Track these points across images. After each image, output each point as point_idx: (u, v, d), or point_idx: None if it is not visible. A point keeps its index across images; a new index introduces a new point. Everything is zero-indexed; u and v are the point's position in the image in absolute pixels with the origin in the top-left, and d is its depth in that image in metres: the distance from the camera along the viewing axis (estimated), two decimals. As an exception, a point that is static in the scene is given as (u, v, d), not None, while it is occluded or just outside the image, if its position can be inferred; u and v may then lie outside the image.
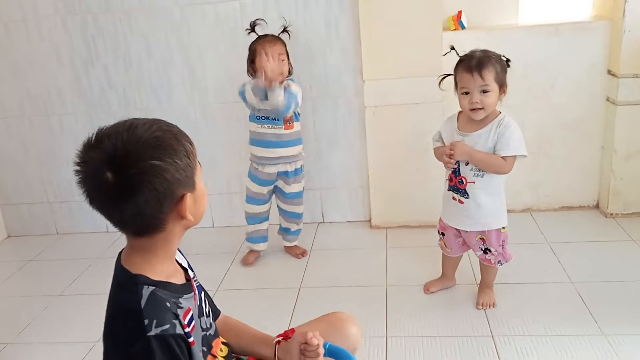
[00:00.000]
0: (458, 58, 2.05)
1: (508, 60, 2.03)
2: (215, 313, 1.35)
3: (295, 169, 2.62)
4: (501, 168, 2.00)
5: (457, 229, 2.17)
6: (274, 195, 2.72)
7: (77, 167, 1.01)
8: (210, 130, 3.03)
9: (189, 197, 1.05)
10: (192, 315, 1.10)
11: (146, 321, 0.99)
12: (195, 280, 1.23)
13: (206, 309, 1.24)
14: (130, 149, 0.98)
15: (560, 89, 2.83)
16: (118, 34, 2.92)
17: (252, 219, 2.73)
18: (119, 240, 3.14)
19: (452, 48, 2.10)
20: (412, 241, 2.82)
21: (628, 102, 2.71)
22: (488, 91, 1.95)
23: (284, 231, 2.78)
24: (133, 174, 0.97)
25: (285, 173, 2.60)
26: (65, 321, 2.38)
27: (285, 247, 2.82)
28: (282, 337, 1.30)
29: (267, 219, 2.75)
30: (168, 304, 1.04)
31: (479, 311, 2.19)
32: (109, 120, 1.05)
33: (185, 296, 1.12)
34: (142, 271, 1.06)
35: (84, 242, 3.15)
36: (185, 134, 1.09)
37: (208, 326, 1.22)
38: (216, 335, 1.26)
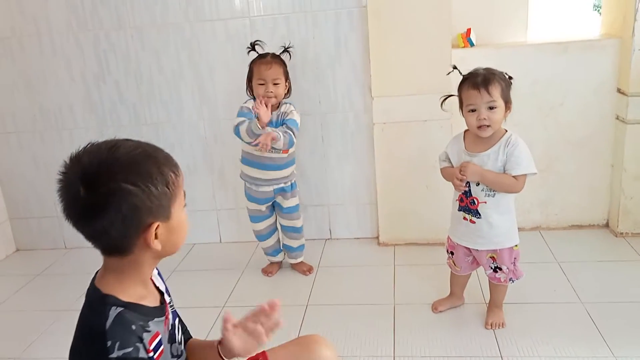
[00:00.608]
0: (462, 77, 2.05)
1: (510, 77, 2.03)
2: (187, 338, 1.35)
3: (291, 184, 2.64)
4: (513, 187, 1.99)
5: (467, 248, 2.16)
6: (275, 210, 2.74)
7: (59, 177, 1.03)
8: (219, 145, 3.05)
9: (159, 227, 1.04)
10: (160, 340, 1.09)
11: (109, 343, 0.99)
12: (171, 306, 1.23)
13: (179, 336, 1.24)
14: (105, 168, 0.99)
15: (569, 107, 2.83)
16: (129, 49, 2.95)
17: (258, 236, 2.77)
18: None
19: (455, 67, 2.10)
20: (420, 259, 2.80)
21: (638, 121, 2.70)
22: (495, 107, 1.95)
23: (287, 249, 2.79)
24: (103, 193, 0.98)
25: (283, 189, 2.62)
26: (72, 336, 2.38)
27: (292, 264, 2.82)
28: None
29: (273, 232, 2.76)
30: (134, 327, 1.03)
31: (488, 331, 2.17)
32: (119, 134, 1.06)
33: (155, 319, 1.11)
34: (112, 292, 1.06)
35: (92, 257, 3.09)
36: (173, 163, 1.08)
37: (179, 353, 1.22)
38: None
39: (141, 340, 1.03)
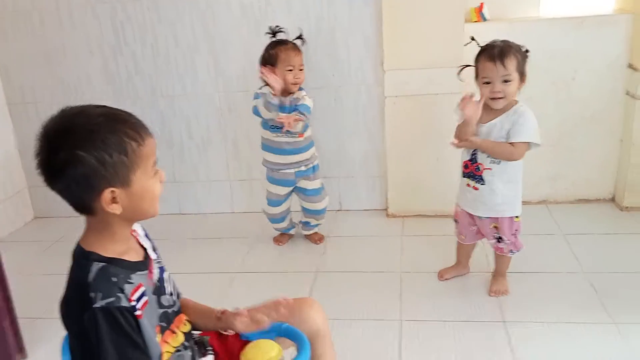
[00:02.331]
0: (479, 48, 2.08)
1: (527, 50, 2.06)
2: (178, 294, 1.40)
3: (313, 167, 2.69)
4: (511, 155, 2.03)
5: (471, 217, 2.22)
6: (293, 194, 2.78)
7: (36, 138, 1.09)
8: (233, 117, 3.10)
9: (116, 192, 1.08)
10: (143, 292, 1.15)
11: (92, 294, 1.06)
12: (158, 262, 1.30)
13: (169, 287, 1.31)
14: (63, 134, 1.05)
15: (581, 81, 2.84)
16: (146, 21, 3.00)
17: (272, 219, 2.83)
18: (142, 222, 3.22)
19: (473, 39, 2.13)
20: (428, 230, 2.86)
21: (648, 97, 2.72)
22: (510, 80, 1.99)
23: (304, 223, 2.86)
24: (60, 158, 1.04)
25: (305, 172, 2.67)
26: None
27: (305, 234, 2.89)
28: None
29: (286, 217, 2.83)
30: (114, 279, 1.09)
31: (492, 298, 2.23)
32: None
33: (138, 273, 1.17)
34: (94, 248, 1.13)
35: None
36: (137, 132, 1.10)
37: (172, 303, 1.28)
38: (179, 311, 1.33)
39: (122, 290, 1.09)
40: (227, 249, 2.85)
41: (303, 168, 2.66)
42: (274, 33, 2.57)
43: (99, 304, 1.05)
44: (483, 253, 2.51)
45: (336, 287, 2.41)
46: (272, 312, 1.27)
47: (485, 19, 2.87)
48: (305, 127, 2.53)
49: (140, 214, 1.16)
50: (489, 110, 2.08)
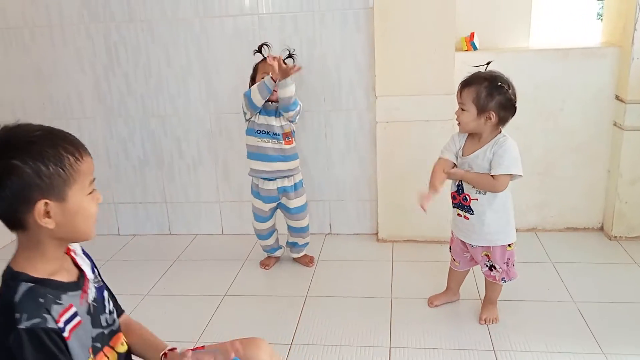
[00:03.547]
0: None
1: (509, 88, 2.00)
2: (118, 311, 1.39)
3: (295, 184, 2.69)
4: (493, 187, 2.04)
5: (464, 244, 2.22)
6: (278, 211, 2.79)
7: None
8: (224, 139, 3.11)
9: (50, 206, 1.08)
10: (74, 312, 1.14)
11: (17, 315, 1.05)
12: (96, 281, 1.29)
13: (109, 306, 1.30)
14: (2, 145, 1.06)
15: (569, 112, 2.89)
16: (140, 42, 3.01)
17: (259, 235, 2.83)
18: (131, 242, 3.20)
19: (488, 63, 2.10)
20: (418, 255, 2.86)
21: (635, 128, 2.76)
22: (464, 110, 2.04)
23: (292, 245, 2.85)
24: None
25: (286, 189, 2.67)
26: None
27: (294, 257, 2.88)
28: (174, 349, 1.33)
29: (272, 233, 2.83)
30: (42, 300, 1.09)
31: (482, 326, 2.23)
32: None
33: (69, 293, 1.16)
34: (23, 269, 1.12)
35: (95, 244, 3.12)
36: (76, 149, 1.11)
37: (110, 323, 1.28)
38: (118, 330, 1.32)
39: (49, 311, 1.08)
40: (215, 271, 2.83)
41: (286, 182, 2.66)
42: (259, 49, 2.61)
43: (24, 324, 1.04)
44: (473, 280, 2.52)
45: (325, 312, 2.39)
46: (219, 356, 1.24)
47: (475, 48, 2.92)
48: (295, 104, 2.52)
49: (74, 233, 1.15)
50: (474, 141, 2.10)
